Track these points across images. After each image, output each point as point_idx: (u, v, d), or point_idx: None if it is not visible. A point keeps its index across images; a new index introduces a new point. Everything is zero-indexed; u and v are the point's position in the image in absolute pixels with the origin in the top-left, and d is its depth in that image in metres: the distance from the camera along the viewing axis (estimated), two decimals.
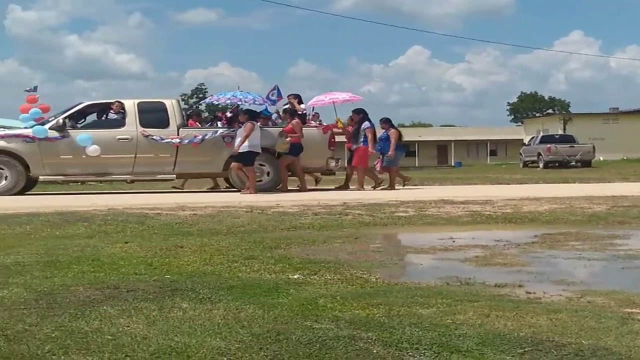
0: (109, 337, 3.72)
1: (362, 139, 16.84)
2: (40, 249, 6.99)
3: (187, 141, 16.09)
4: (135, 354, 3.46)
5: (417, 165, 76.24)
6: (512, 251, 6.98)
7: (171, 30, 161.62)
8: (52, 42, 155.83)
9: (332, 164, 17.03)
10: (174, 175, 16.95)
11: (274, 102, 18.82)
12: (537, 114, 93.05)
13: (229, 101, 17.85)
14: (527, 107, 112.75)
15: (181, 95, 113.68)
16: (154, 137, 16.08)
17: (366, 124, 16.94)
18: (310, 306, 4.43)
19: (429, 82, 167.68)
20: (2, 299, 4.65)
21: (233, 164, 15.92)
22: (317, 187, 17.82)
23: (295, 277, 5.53)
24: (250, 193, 15.14)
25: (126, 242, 7.40)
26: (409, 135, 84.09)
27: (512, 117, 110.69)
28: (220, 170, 16.59)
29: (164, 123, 16.34)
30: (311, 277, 5.50)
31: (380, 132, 17.76)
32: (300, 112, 17.37)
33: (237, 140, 15.45)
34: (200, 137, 16.18)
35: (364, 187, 17.03)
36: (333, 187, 17.48)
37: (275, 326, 3.94)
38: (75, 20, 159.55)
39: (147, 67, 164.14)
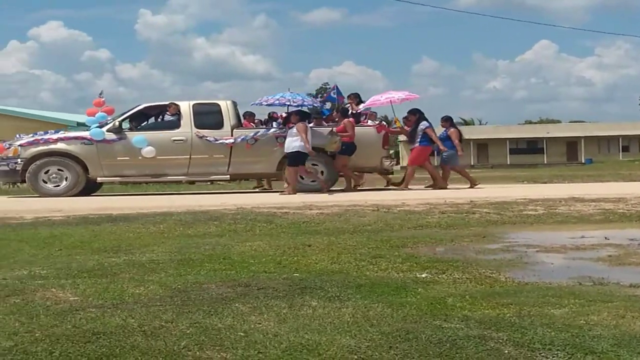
0: (242, 333, 3.81)
1: (418, 139, 16.73)
2: (173, 248, 7.20)
3: (240, 140, 16.33)
4: (267, 350, 3.52)
5: (545, 162, 74.81)
6: None
7: (296, 30, 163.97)
8: (181, 45, 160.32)
9: (387, 163, 17.04)
10: (228, 176, 17.20)
11: (334, 101, 18.88)
12: None
13: (277, 102, 17.96)
14: None
15: (306, 95, 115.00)
16: (208, 138, 16.44)
17: (424, 123, 16.84)
18: (439, 305, 4.41)
19: (557, 76, 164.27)
20: (139, 296, 4.81)
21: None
22: (364, 188, 17.91)
23: (423, 276, 5.51)
24: (289, 194, 15.23)
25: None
26: (536, 132, 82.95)
27: None
28: (273, 170, 16.75)
29: (218, 124, 16.70)
30: (439, 276, 5.47)
31: (440, 131, 17.67)
32: (355, 112, 17.41)
33: (287, 140, 15.64)
34: (253, 135, 16.41)
35: (408, 186, 17.01)
36: (382, 187, 17.54)
37: (405, 325, 3.94)
38: (203, 23, 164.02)
39: (272, 67, 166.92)
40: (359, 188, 17.36)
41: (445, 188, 16.88)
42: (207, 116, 16.83)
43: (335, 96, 19.41)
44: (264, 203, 11.94)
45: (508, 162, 76.03)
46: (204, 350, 3.55)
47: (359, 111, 17.65)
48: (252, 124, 17.96)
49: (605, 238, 7.44)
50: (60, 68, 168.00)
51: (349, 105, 17.77)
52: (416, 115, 17.06)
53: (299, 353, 3.48)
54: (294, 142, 15.53)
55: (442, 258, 6.35)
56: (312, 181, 16.31)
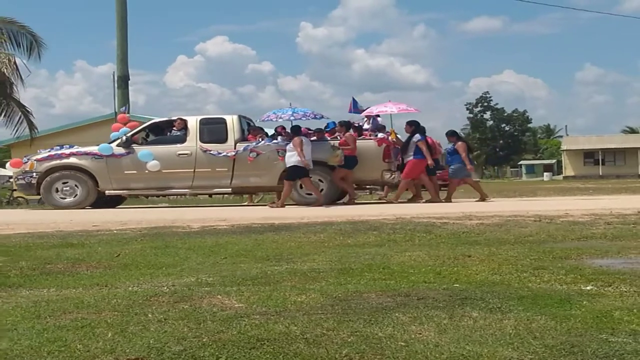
0: (402, 343, 3.82)
1: (411, 152, 16.39)
2: (333, 257, 7.29)
3: (241, 151, 16.64)
4: None
5: None
6: None
7: (455, 40, 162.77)
8: (341, 57, 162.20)
9: (387, 176, 16.65)
10: (230, 189, 17.49)
11: (357, 112, 19.05)
12: None
13: (280, 119, 18.14)
14: None
15: (465, 105, 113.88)
16: (212, 152, 16.82)
17: (417, 136, 16.46)
18: (605, 319, 4.28)
19: None
20: (301, 304, 4.90)
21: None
22: (365, 202, 17.92)
23: (588, 288, 5.35)
24: (277, 207, 15.50)
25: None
26: None
27: None
28: (275, 183, 16.88)
29: (222, 138, 17.01)
30: (605, 289, 5.30)
31: (448, 145, 17.46)
32: (358, 125, 17.61)
33: (287, 155, 15.85)
34: (253, 147, 16.68)
35: (399, 200, 16.87)
36: (379, 200, 17.55)
37: (569, 338, 3.84)
38: (362, 35, 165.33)
39: (431, 77, 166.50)
40: (354, 201, 17.37)
41: (449, 201, 16.88)
42: (213, 131, 17.31)
43: (352, 111, 19.48)
44: (423, 213, 11.90)
45: None
46: (365, 358, 3.58)
47: (359, 124, 17.97)
48: (259, 138, 17.80)
49: None
50: (225, 81, 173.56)
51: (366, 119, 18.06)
52: (412, 127, 16.85)
53: None
54: (291, 157, 15.80)
55: (608, 270, 6.15)
56: (308, 194, 16.46)
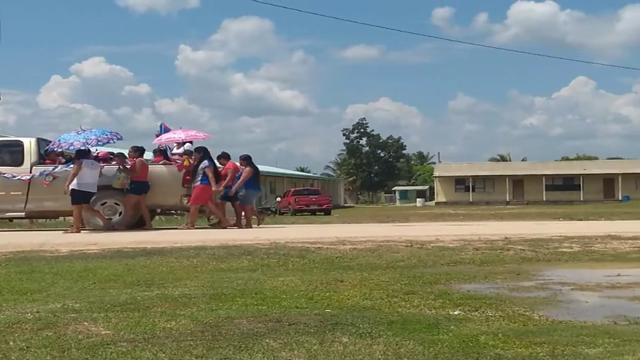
0: None
1: (199, 178, 16.53)
2: (205, 282, 7.21)
3: (37, 175, 16.37)
4: None
5: (581, 199, 74.12)
6: None
7: (333, 66, 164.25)
8: (220, 81, 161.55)
9: (186, 201, 16.81)
10: (24, 213, 17.16)
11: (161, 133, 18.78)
12: None
13: (72, 147, 16.55)
14: None
15: (342, 130, 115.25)
16: (5, 175, 16.49)
17: (205, 162, 16.64)
18: (471, 343, 4.37)
19: (594, 113, 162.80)
20: (171, 330, 4.82)
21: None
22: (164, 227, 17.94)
23: (456, 313, 5.46)
24: (73, 232, 15.36)
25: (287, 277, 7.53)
26: (573, 168, 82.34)
27: None
28: (71, 208, 16.38)
29: (18, 161, 16.75)
30: (472, 314, 5.42)
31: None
32: (162, 149, 17.72)
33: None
34: (50, 172, 16.40)
35: (194, 225, 16.80)
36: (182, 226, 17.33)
37: None
38: (242, 59, 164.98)
39: (309, 102, 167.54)
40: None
41: (250, 227, 17.09)
42: (9, 153, 17.04)
43: (160, 132, 19.41)
44: (298, 238, 11.93)
45: (544, 199, 75.44)
46: None
47: (162, 147, 18.00)
48: (58, 162, 17.36)
49: None
50: (101, 102, 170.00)
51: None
52: (200, 154, 16.97)
53: None
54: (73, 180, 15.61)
55: (475, 295, 6.30)
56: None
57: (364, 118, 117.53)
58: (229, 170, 17.50)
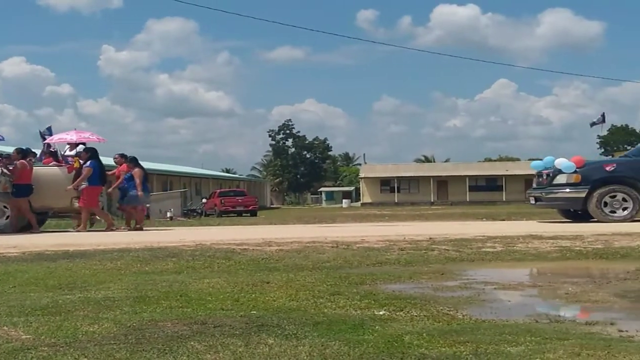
0: None
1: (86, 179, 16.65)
2: (129, 285, 7.11)
3: None
4: None
5: (504, 199, 75.43)
6: (603, 288, 6.80)
7: (259, 68, 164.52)
8: (144, 82, 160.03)
9: (77, 204, 16.88)
10: None
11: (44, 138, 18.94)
12: (629, 147, 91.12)
13: None
14: (618, 140, 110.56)
15: (268, 132, 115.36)
16: None
17: (87, 163, 16.68)
18: (396, 343, 4.39)
19: (515, 115, 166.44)
20: (93, 334, 4.73)
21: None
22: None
23: (381, 313, 5.49)
24: None
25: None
26: (496, 169, 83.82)
27: (602, 150, 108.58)
28: None
29: None
30: (397, 314, 5.46)
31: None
32: (52, 151, 17.90)
33: None
34: None
35: (87, 228, 16.87)
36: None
37: None
38: (166, 60, 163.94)
39: (235, 104, 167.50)
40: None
41: (141, 229, 17.20)
42: None
43: (46, 135, 19.38)
44: (224, 239, 11.87)
45: (468, 199, 76.61)
46: None
47: (53, 150, 18.07)
48: None
49: (562, 275, 7.49)
50: (22, 103, 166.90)
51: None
52: (87, 154, 17.03)
53: None
54: None
55: (400, 295, 6.34)
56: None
57: (289, 119, 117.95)
58: (122, 172, 17.41)
